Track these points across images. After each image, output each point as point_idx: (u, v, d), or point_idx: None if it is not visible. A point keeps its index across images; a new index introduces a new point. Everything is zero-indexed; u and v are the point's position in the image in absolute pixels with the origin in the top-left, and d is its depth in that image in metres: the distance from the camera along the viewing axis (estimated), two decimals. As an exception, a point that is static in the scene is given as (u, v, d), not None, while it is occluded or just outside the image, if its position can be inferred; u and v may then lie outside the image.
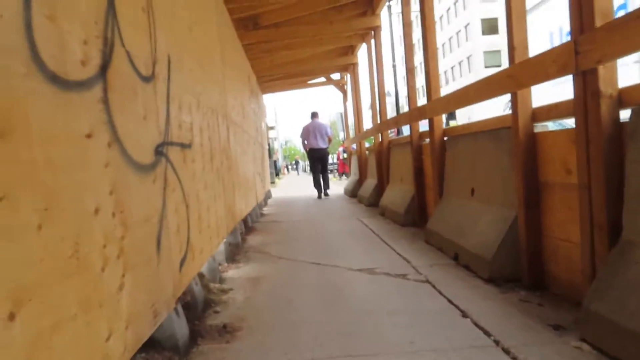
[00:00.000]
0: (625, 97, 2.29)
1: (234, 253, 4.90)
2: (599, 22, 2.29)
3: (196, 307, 2.95)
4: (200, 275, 3.42)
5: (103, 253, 1.58)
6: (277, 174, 19.45)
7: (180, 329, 2.40)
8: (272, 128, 31.64)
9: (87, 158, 1.53)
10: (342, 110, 17.25)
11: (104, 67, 1.74)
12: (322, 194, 11.39)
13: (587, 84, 2.38)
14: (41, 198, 1.24)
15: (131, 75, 2.07)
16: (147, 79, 2.30)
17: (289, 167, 33.43)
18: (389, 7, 18.37)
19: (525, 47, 3.16)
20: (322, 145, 11.26)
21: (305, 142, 11.40)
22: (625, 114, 2.32)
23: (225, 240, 4.53)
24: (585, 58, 2.35)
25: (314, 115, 11.53)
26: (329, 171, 12.42)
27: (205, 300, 3.17)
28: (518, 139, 3.14)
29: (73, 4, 1.54)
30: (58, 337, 1.25)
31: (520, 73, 3.05)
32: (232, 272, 4.17)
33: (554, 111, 2.94)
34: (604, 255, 2.30)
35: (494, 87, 3.52)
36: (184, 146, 2.98)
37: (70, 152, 1.42)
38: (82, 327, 1.38)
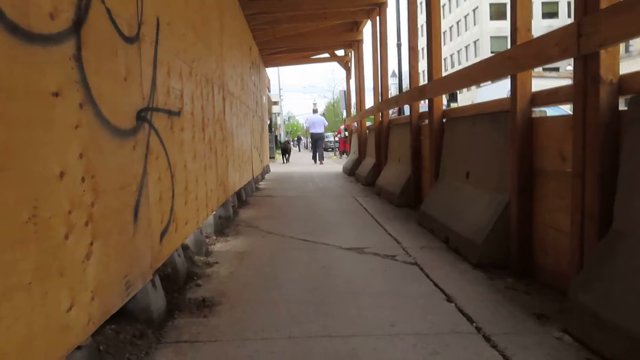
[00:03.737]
0: (626, 84, 2.20)
1: (224, 226, 4.84)
2: (604, 3, 2.18)
3: (177, 279, 2.90)
4: (185, 247, 3.37)
5: (68, 219, 1.51)
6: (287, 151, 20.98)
7: (156, 301, 2.35)
8: (275, 103, 31.34)
9: (53, 117, 1.45)
10: (345, 88, 17.10)
11: (78, 23, 1.65)
12: (317, 161, 17.54)
13: (588, 68, 2.28)
14: (-6, 157, 1.17)
15: (111, 34, 1.98)
16: (131, 40, 2.20)
17: (293, 143, 32.70)
18: (397, -16, 17.96)
19: (528, 30, 3.05)
20: (319, 130, 17.53)
21: (309, 127, 18.01)
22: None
23: (215, 212, 4.47)
24: (587, 41, 2.24)
25: (315, 111, 19.94)
26: (323, 148, 18.94)
27: (188, 273, 3.12)
28: (515, 123, 3.04)
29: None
30: (8, 305, 1.18)
31: (522, 55, 2.95)
32: (220, 246, 4.12)
33: (554, 96, 2.85)
34: (593, 245, 2.23)
35: (495, 68, 3.42)
36: (172, 113, 2.90)
37: (31, 110, 1.34)
38: (38, 296, 1.31)
